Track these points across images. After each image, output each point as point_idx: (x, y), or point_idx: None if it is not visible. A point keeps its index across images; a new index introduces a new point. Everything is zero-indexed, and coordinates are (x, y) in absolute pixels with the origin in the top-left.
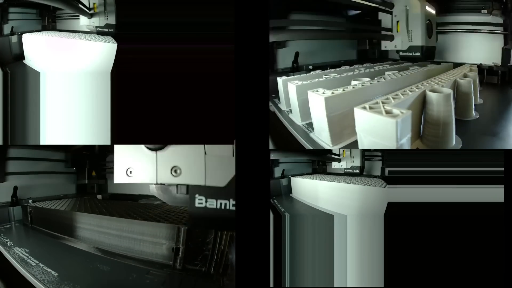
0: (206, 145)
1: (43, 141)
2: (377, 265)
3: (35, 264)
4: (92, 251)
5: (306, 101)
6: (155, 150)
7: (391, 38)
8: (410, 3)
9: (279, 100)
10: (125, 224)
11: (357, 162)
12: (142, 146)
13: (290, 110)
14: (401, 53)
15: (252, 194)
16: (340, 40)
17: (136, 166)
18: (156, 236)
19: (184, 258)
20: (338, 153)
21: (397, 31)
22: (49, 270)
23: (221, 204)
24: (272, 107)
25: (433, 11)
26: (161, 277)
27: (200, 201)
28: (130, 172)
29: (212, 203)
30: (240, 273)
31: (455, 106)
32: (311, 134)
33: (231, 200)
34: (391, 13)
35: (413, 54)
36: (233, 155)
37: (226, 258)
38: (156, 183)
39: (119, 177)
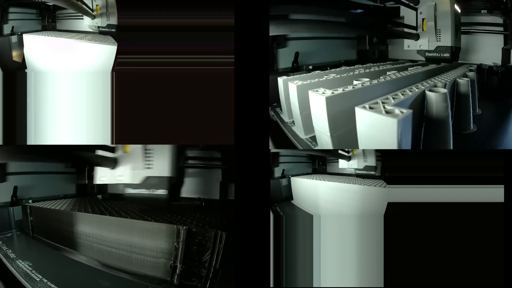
0: None
1: (43, 141)
2: (377, 265)
3: (39, 279)
4: (93, 264)
5: (309, 116)
6: None
7: (416, 37)
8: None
9: (281, 109)
10: (126, 237)
11: (371, 161)
12: None
13: (293, 122)
14: (427, 54)
15: (251, 195)
16: (341, 40)
17: None
18: (155, 251)
19: (181, 275)
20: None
21: (423, 30)
22: (53, 286)
23: None
24: (274, 117)
25: (459, 10)
26: None
27: None
28: None
29: None
30: (240, 274)
31: (453, 115)
32: (315, 148)
33: None
34: (415, 9)
35: (441, 55)
36: None
37: (221, 275)
38: None
39: None
